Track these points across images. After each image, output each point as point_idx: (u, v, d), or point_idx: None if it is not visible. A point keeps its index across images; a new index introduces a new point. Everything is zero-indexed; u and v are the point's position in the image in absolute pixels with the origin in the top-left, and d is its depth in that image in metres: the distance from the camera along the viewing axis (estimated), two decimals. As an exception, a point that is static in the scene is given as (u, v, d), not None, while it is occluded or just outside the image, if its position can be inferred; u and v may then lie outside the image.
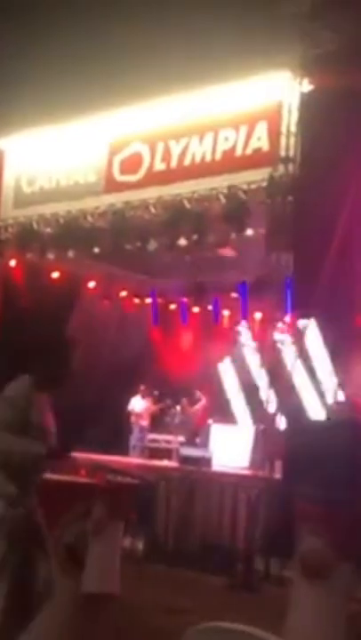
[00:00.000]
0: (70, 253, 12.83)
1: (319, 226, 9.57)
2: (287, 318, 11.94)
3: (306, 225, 9.79)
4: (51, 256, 13.15)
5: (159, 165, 11.72)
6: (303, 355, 12.16)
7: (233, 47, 11.23)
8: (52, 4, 14.47)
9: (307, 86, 10.04)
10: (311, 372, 13.47)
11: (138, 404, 16.29)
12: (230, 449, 11.84)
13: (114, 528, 8.06)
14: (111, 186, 12.29)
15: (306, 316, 10.82)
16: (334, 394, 11.43)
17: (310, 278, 9.67)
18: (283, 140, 10.23)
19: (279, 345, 12.18)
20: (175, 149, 11.51)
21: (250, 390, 15.56)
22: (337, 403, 11.18)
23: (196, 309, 16.87)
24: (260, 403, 12.22)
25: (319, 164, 9.76)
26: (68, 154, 12.88)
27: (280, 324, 12.16)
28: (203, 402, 16.03)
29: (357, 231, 9.51)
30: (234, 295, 15.50)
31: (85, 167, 12.64)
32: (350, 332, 9.68)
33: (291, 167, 10.07)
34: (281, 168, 10.12)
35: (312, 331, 11.45)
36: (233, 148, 10.88)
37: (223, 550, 9.85)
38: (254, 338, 15.88)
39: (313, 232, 9.68)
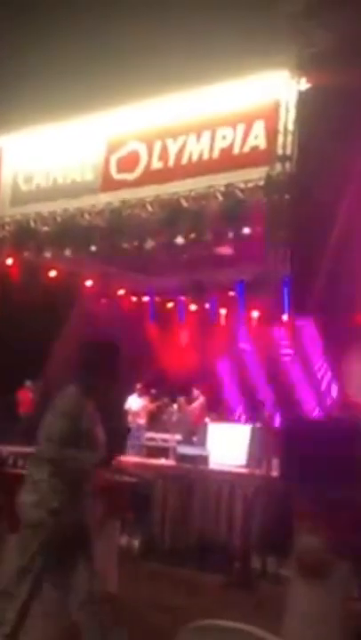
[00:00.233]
0: (67, 252, 12.81)
1: (317, 224, 9.58)
2: (285, 316, 11.94)
3: (304, 223, 9.79)
4: (48, 254, 13.13)
5: (156, 164, 11.69)
6: (301, 353, 12.17)
7: (230, 46, 11.24)
8: (52, 4, 14.48)
9: (304, 85, 10.04)
10: (309, 370, 13.48)
11: (135, 402, 16.29)
12: (227, 447, 11.80)
13: (111, 526, 8.05)
14: (108, 184, 12.26)
15: (303, 314, 10.83)
16: (331, 391, 11.45)
17: (308, 277, 9.69)
18: (280, 139, 10.22)
19: (277, 343, 12.19)
20: (172, 148, 11.49)
21: (247, 389, 15.57)
22: (334, 401, 11.20)
23: (193, 308, 16.87)
24: (258, 401, 12.23)
25: (316, 162, 9.76)
26: (66, 152, 12.85)
27: (278, 323, 12.17)
28: (200, 400, 16.03)
29: (355, 229, 9.52)
30: (231, 294, 15.49)
31: (83, 165, 12.61)
32: (348, 331, 9.69)
33: (288, 165, 10.06)
34: (278, 166, 10.11)
35: (310, 329, 11.47)
36: (230, 147, 10.86)
37: (220, 548, 9.83)
38: (252, 336, 15.88)
39: (311, 230, 9.69)
